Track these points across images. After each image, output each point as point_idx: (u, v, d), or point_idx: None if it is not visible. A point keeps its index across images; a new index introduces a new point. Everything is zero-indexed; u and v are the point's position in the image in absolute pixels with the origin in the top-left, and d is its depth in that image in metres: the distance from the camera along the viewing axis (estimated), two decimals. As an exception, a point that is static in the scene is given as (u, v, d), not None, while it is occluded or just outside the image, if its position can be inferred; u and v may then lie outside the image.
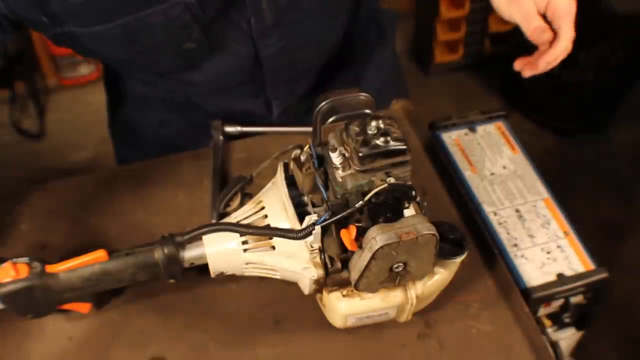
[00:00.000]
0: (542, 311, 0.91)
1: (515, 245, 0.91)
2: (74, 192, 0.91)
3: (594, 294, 0.91)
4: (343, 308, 0.72)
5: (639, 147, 2.47)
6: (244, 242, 0.73)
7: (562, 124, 2.53)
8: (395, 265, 0.67)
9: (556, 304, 0.90)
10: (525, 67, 0.85)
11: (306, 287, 0.73)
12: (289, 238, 0.70)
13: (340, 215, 0.68)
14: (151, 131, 1.10)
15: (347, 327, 0.75)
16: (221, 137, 0.97)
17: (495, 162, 1.01)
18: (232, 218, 0.75)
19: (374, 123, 0.71)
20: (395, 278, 0.69)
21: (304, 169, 0.74)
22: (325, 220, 0.68)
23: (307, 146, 0.74)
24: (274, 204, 0.74)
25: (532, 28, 0.82)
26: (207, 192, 0.90)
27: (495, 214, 0.94)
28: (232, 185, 0.85)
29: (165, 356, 0.76)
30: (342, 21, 0.97)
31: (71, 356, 0.76)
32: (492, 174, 0.99)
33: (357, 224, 0.69)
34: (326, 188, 0.72)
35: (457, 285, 0.79)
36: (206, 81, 0.95)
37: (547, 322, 0.94)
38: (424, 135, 1.01)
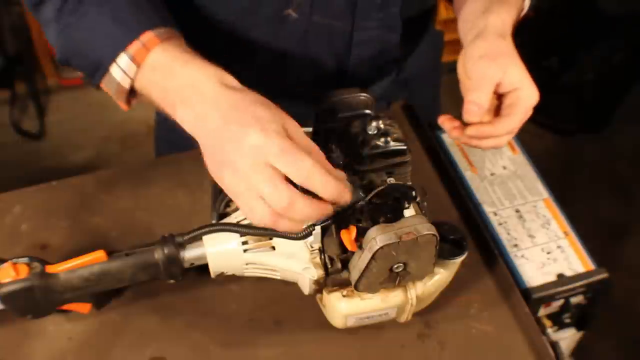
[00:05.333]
0: (542, 311, 0.91)
1: (516, 245, 0.91)
2: (74, 192, 0.91)
3: (594, 294, 0.91)
4: (343, 308, 0.72)
5: (639, 147, 2.47)
6: (244, 243, 0.73)
7: (562, 124, 2.53)
8: (395, 266, 0.67)
9: (556, 304, 0.90)
10: (453, 129, 0.79)
11: (306, 287, 0.73)
12: (289, 238, 0.70)
13: (340, 215, 0.68)
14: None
15: (347, 328, 0.75)
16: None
17: (495, 163, 1.01)
18: (232, 218, 0.75)
19: (374, 123, 0.71)
20: (395, 278, 0.69)
21: (304, 169, 0.74)
22: (325, 220, 0.68)
23: (307, 146, 0.74)
24: (274, 204, 0.74)
25: (474, 100, 0.74)
26: (207, 193, 0.90)
27: (495, 214, 0.94)
28: (232, 186, 0.84)
29: (165, 356, 0.76)
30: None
31: (71, 356, 0.76)
32: (492, 174, 0.99)
33: (357, 224, 0.69)
34: (326, 188, 0.72)
35: (457, 286, 0.79)
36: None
37: (547, 323, 0.94)
38: (424, 135, 1.01)
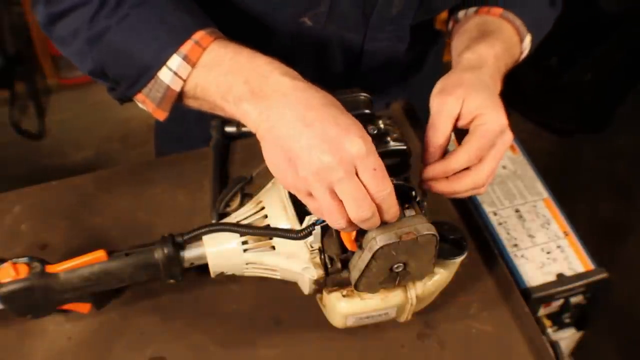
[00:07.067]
0: (542, 311, 0.91)
1: (515, 245, 0.91)
2: (74, 192, 0.91)
3: (593, 294, 0.91)
4: (343, 308, 0.72)
5: (639, 147, 2.47)
6: (244, 242, 0.73)
7: (562, 124, 2.53)
8: (395, 266, 0.67)
9: (556, 304, 0.90)
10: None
11: (306, 287, 0.73)
12: (289, 238, 0.70)
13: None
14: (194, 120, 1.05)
15: (347, 328, 0.75)
16: (221, 137, 0.97)
17: (495, 162, 1.01)
18: (232, 218, 0.75)
19: (374, 123, 0.71)
20: (395, 278, 0.69)
21: (304, 169, 0.74)
22: (325, 220, 0.68)
23: (307, 146, 0.74)
24: (274, 204, 0.74)
25: (428, 138, 0.71)
26: (207, 192, 0.90)
27: (495, 214, 0.94)
28: (232, 186, 0.85)
29: (165, 356, 0.76)
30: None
31: (71, 356, 0.76)
32: (492, 174, 0.99)
33: (357, 224, 0.68)
34: (326, 188, 0.72)
35: (457, 285, 0.79)
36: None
37: (547, 322, 0.94)
38: (424, 135, 1.01)
